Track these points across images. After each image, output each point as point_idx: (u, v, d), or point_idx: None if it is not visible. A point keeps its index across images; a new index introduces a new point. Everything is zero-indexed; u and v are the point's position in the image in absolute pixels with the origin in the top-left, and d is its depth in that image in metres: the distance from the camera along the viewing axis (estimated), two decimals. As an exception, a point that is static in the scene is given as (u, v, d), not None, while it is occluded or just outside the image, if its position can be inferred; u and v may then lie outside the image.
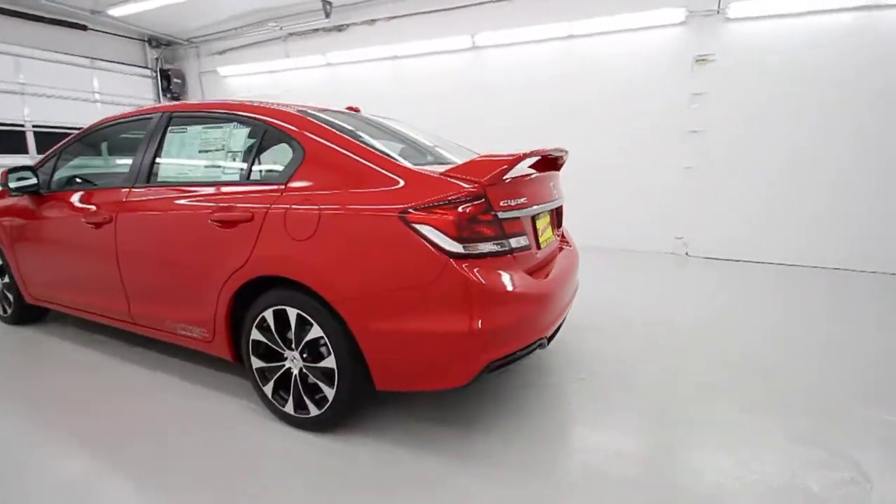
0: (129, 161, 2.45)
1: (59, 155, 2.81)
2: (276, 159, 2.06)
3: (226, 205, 2.01)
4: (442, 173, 1.75)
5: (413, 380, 1.77)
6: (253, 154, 2.08)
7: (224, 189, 2.08)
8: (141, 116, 2.51)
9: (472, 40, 6.21)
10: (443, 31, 6.35)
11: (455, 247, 1.62)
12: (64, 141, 2.83)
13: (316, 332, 1.84)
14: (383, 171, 1.79)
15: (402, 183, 1.75)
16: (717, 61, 5.13)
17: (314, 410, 1.93)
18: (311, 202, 1.82)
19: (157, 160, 2.35)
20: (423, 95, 6.73)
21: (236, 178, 2.12)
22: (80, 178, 2.78)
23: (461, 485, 1.66)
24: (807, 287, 4.24)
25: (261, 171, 2.12)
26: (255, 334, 2.01)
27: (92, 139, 2.81)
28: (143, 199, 2.31)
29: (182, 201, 2.17)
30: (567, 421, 2.10)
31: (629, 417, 2.09)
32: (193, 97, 9.05)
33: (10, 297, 3.17)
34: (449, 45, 6.38)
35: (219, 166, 2.17)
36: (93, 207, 2.47)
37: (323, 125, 1.98)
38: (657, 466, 1.79)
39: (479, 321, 1.63)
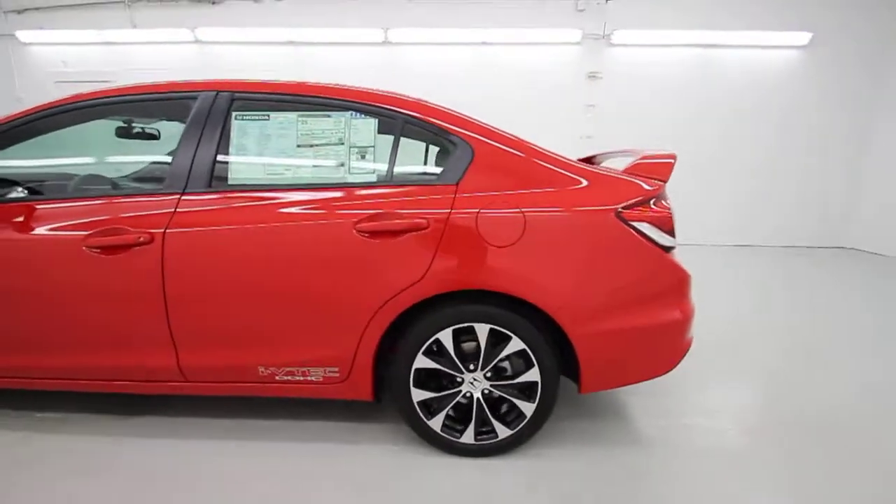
0: (154, 156, 1.74)
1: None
2: (423, 158, 1.78)
3: (379, 211, 1.64)
4: (622, 172, 1.80)
5: (625, 375, 1.78)
6: (393, 151, 1.74)
7: (360, 192, 1.69)
8: (167, 94, 1.80)
9: (384, 34, 6.00)
10: (355, 21, 5.97)
11: (668, 241, 1.70)
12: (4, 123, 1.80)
13: (515, 345, 1.69)
14: (563, 172, 1.74)
15: (585, 182, 1.73)
16: (604, 78, 6.13)
17: (504, 432, 1.75)
18: (506, 204, 1.65)
19: (223, 156, 1.73)
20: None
21: (371, 178, 1.74)
22: (50, 180, 1.82)
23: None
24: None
25: (409, 171, 1.79)
26: (422, 361, 1.71)
27: (58, 123, 1.85)
28: (210, 209, 1.68)
29: (293, 210, 1.67)
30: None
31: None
32: (-36, 68, 6.42)
33: None
34: (360, 36, 6.03)
35: (340, 165, 1.74)
36: (100, 227, 1.66)
37: (484, 123, 1.79)
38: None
39: (688, 307, 1.76)
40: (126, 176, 2.00)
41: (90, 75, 6.43)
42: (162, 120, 1.89)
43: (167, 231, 1.66)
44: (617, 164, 1.89)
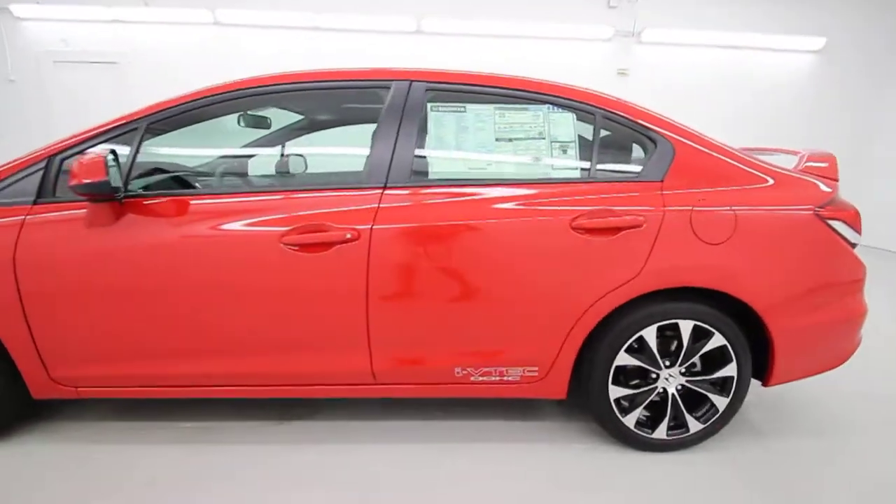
0: (344, 149, 1.64)
1: (140, 137, 1.60)
2: (621, 154, 1.76)
3: (596, 208, 1.61)
4: (800, 171, 1.84)
5: (808, 368, 1.84)
6: (595, 146, 1.71)
7: (567, 188, 1.66)
8: (356, 82, 1.69)
9: (417, 23, 5.86)
10: (386, 9, 5.80)
11: (856, 238, 1.77)
12: (152, 109, 1.63)
13: (716, 341, 1.71)
14: (752, 171, 1.77)
15: (771, 181, 1.77)
16: (632, 75, 6.25)
17: (695, 426, 1.78)
18: (715, 202, 1.66)
19: (422, 150, 1.65)
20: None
21: (575, 174, 1.70)
22: (219, 174, 1.66)
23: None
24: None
25: (609, 167, 1.76)
26: (623, 359, 1.71)
27: (224, 110, 1.70)
28: (414, 204, 1.60)
29: (507, 206, 1.62)
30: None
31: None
32: (-52, 43, 5.79)
33: None
34: (392, 24, 5.86)
35: (542, 160, 1.69)
36: (299, 223, 1.55)
37: (678, 121, 1.79)
38: None
39: (865, 301, 1.84)
40: (306, 170, 1.86)
41: (93, 56, 5.97)
42: (346, 108, 1.77)
43: (374, 227, 1.57)
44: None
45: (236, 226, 1.56)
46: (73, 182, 1.39)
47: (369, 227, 1.57)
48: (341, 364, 1.68)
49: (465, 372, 1.71)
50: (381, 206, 1.59)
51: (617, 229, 1.62)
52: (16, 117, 6.05)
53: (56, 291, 1.58)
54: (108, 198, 1.50)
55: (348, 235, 1.55)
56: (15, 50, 5.89)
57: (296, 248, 1.56)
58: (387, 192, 1.61)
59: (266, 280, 1.59)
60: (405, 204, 1.61)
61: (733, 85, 6.30)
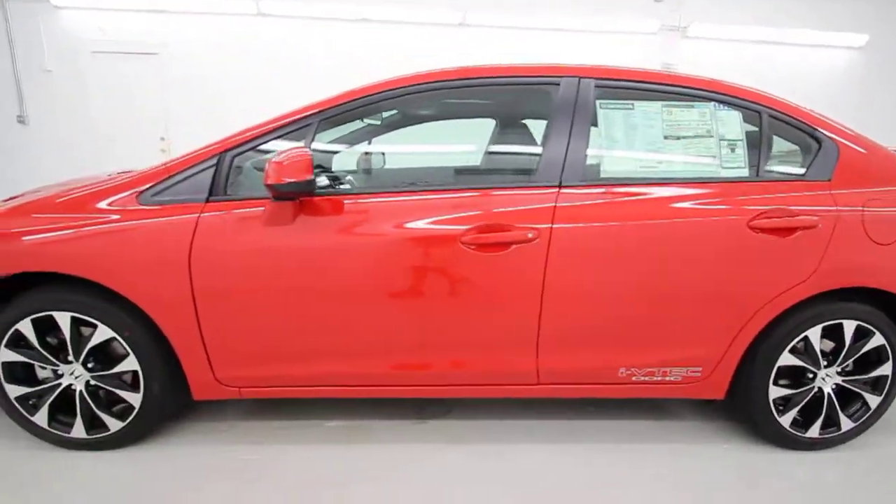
0: (515, 147, 1.62)
1: (314, 133, 1.57)
2: (785, 153, 1.75)
3: (774, 207, 1.60)
4: None
5: None
6: (763, 145, 1.70)
7: (739, 187, 1.64)
8: (526, 78, 1.66)
9: (463, 16, 5.80)
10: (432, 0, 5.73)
11: None
12: (325, 105, 1.60)
13: (876, 341, 1.71)
14: None
15: None
16: (677, 69, 6.22)
17: (847, 425, 1.78)
18: (887, 202, 1.66)
19: (594, 148, 1.63)
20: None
21: (744, 173, 1.68)
22: (388, 171, 1.63)
23: None
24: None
25: (773, 167, 1.75)
26: (786, 359, 1.71)
27: (383, 108, 1.66)
28: (591, 203, 1.59)
29: (684, 205, 1.60)
30: None
31: None
32: (-15, 32, 5.67)
33: (150, 392, 1.62)
34: (437, 16, 5.79)
35: (712, 158, 1.67)
36: (477, 222, 1.53)
37: (836, 120, 1.78)
38: None
39: None
40: (467, 165, 1.82)
41: (133, 46, 5.86)
42: (512, 105, 1.74)
43: (553, 227, 1.55)
44: None
45: (418, 225, 1.54)
46: (276, 180, 1.36)
47: (549, 226, 1.55)
48: (507, 364, 1.67)
49: (628, 372, 1.70)
50: (557, 205, 1.57)
51: (793, 229, 1.61)
52: (51, 108, 5.95)
53: (229, 291, 1.55)
54: (291, 196, 1.47)
55: (530, 235, 1.53)
56: (52, 39, 5.77)
57: (474, 247, 1.54)
58: (563, 190, 1.59)
59: (443, 280, 1.57)
60: (582, 203, 1.59)
61: (775, 80, 6.25)
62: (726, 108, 1.71)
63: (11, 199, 1.88)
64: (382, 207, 1.56)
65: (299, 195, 1.45)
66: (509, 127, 1.86)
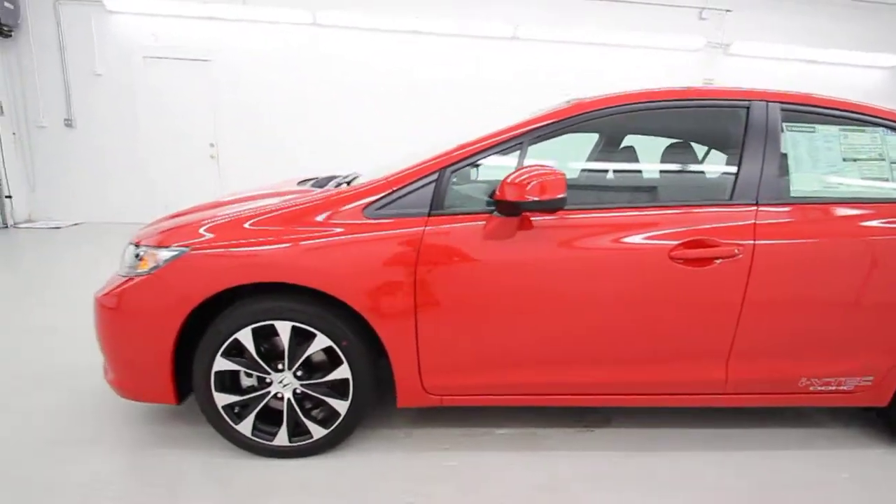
0: (707, 167, 1.70)
1: (525, 150, 1.63)
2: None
3: (951, 225, 1.71)
4: None
5: None
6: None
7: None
8: (718, 101, 1.75)
9: (514, 30, 5.93)
10: (481, 13, 5.84)
11: None
12: (536, 122, 1.66)
13: None
14: None
15: None
16: (717, 84, 6.41)
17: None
18: None
19: (783, 168, 1.72)
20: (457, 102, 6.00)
21: (908, 193, 1.79)
22: (603, 188, 1.70)
23: None
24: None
25: None
26: (948, 368, 1.81)
27: (588, 127, 1.73)
28: (786, 221, 1.67)
29: (870, 223, 1.70)
30: None
31: None
32: (37, 38, 5.63)
33: (357, 400, 1.67)
34: (488, 30, 5.90)
35: (885, 179, 1.78)
36: (685, 237, 1.61)
37: None
38: None
39: None
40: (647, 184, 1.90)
41: (185, 52, 5.88)
42: (697, 127, 1.82)
43: (756, 243, 1.64)
44: None
45: (634, 239, 1.61)
46: (533, 197, 1.42)
47: (751, 242, 1.63)
48: (698, 373, 1.74)
49: (808, 382, 1.78)
50: (757, 222, 1.66)
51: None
52: (99, 112, 5.93)
53: (447, 303, 1.60)
54: (517, 212, 1.54)
55: (736, 251, 1.61)
56: (103, 44, 5.78)
57: (681, 261, 1.61)
58: (760, 208, 1.67)
59: (651, 293, 1.64)
60: (778, 221, 1.67)
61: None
62: (893, 133, 1.82)
63: (177, 214, 1.88)
64: (597, 223, 1.63)
65: (546, 212, 1.52)
66: (704, 145, 1.96)
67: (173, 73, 5.94)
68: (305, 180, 2.30)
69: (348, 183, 1.94)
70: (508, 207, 1.51)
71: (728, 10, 6.04)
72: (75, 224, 6.08)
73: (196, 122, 6.10)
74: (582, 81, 6.18)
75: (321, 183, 2.13)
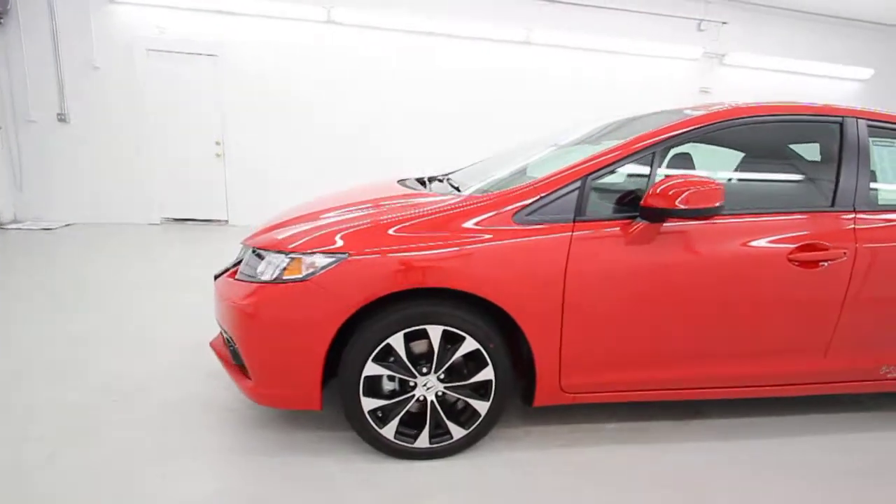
0: (815, 177, 1.87)
1: (659, 159, 1.73)
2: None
3: None
4: None
5: None
6: None
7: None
8: (814, 116, 1.90)
9: (527, 34, 6.05)
10: (492, 15, 5.92)
11: None
12: (673, 130, 1.76)
13: None
14: None
15: None
16: (712, 94, 6.78)
17: None
18: None
19: (871, 179, 1.90)
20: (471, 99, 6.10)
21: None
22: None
23: None
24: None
25: None
26: None
27: (714, 137, 1.84)
28: (881, 226, 1.86)
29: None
30: None
31: None
32: (29, 26, 5.26)
33: (497, 401, 1.73)
34: (500, 33, 6.00)
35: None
36: (801, 241, 1.77)
37: None
38: None
39: None
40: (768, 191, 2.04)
41: (192, 46, 5.65)
42: (798, 141, 1.97)
43: (857, 246, 1.81)
44: None
45: (761, 243, 1.75)
46: (691, 206, 1.52)
47: (854, 245, 1.81)
48: (800, 365, 1.90)
49: (888, 370, 1.98)
50: (857, 227, 1.83)
51: None
52: (96, 107, 5.62)
53: (590, 304, 1.68)
54: (662, 219, 1.64)
55: (844, 253, 1.78)
56: (102, 36, 5.48)
57: (797, 263, 1.76)
58: (858, 215, 1.85)
59: (772, 293, 1.78)
60: (874, 226, 1.85)
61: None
62: (960, 145, 2.05)
63: (281, 224, 1.88)
64: (728, 228, 1.76)
65: (702, 219, 1.62)
66: (804, 156, 2.12)
67: (180, 67, 5.71)
68: (403, 180, 2.35)
69: (451, 184, 2.00)
70: (654, 214, 1.60)
71: (724, 23, 6.40)
72: (67, 225, 5.73)
73: (202, 119, 5.88)
74: (584, 85, 6.39)
75: (422, 182, 2.19)
